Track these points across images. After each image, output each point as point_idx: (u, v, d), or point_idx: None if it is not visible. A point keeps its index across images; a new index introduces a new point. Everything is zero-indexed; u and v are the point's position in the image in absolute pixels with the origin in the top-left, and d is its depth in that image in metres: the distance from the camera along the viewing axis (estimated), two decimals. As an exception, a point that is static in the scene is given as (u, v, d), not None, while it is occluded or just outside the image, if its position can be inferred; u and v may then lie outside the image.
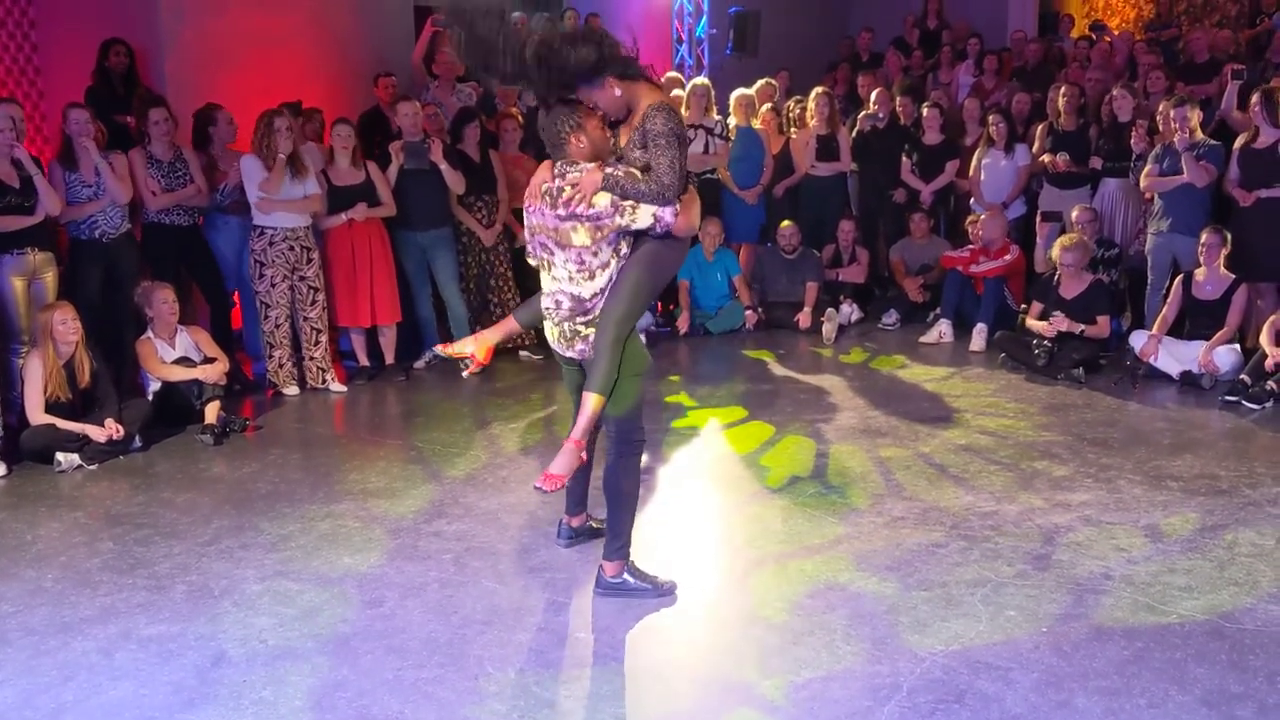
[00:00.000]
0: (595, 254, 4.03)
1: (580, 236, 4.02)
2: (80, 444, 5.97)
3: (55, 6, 8.80)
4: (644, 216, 3.98)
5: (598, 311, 4.08)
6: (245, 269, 7.31)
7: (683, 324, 8.85)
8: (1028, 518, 5.02)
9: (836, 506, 5.22)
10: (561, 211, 4.03)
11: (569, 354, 4.24)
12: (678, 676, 3.76)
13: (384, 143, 7.98)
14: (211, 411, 6.43)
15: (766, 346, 8.53)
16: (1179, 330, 7.47)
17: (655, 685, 3.71)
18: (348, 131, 7.45)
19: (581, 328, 4.13)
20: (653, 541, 4.91)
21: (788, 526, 5.01)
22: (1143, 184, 8.03)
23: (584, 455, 4.17)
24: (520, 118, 8.64)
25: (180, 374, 6.51)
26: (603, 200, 3.97)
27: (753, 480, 5.67)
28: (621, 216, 3.98)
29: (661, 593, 4.30)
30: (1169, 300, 7.48)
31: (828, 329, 8.62)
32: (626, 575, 4.30)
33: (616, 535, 4.29)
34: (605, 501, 4.32)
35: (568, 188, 4.02)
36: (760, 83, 9.88)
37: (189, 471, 5.90)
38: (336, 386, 7.37)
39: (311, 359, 7.37)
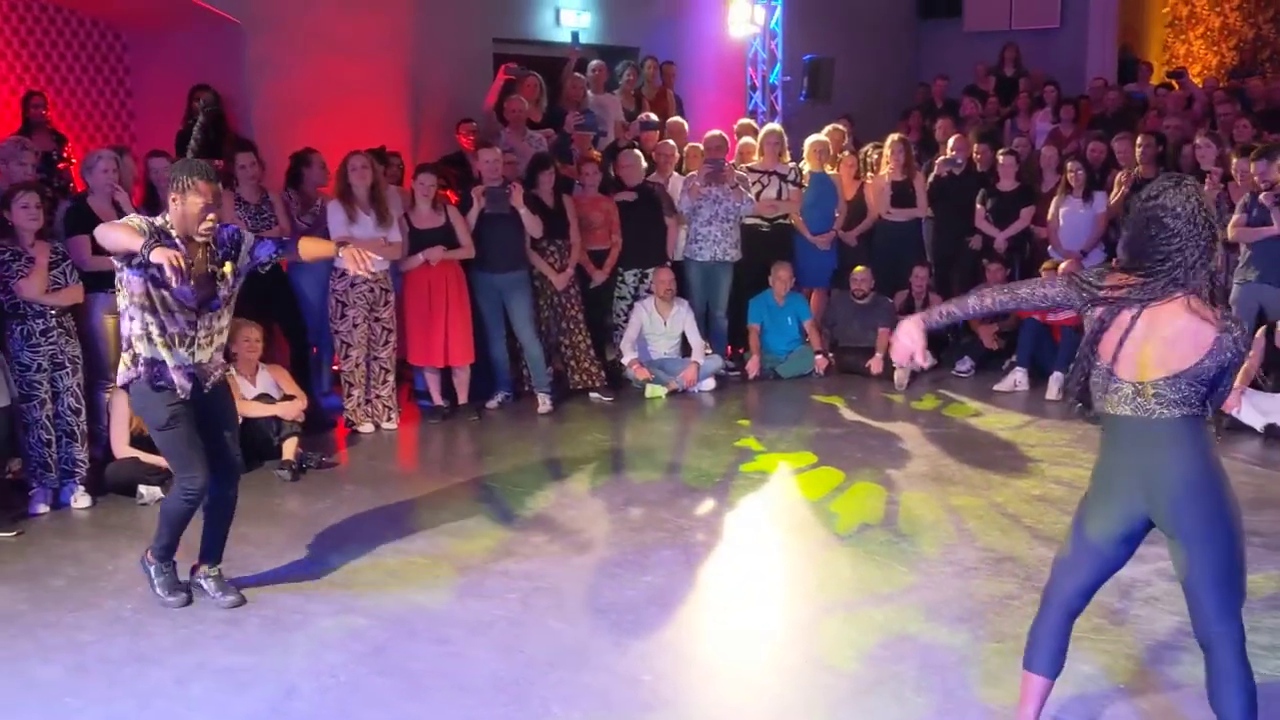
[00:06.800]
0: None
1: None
2: (163, 478, 6.08)
3: (147, 54, 9.14)
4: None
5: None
6: (327, 309, 7.47)
7: (753, 368, 8.83)
8: (1104, 571, 4.91)
9: (907, 555, 5.16)
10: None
11: None
12: (743, 723, 3.73)
13: (466, 185, 8.12)
14: (289, 448, 6.55)
15: (837, 392, 8.48)
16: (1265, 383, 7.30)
17: (720, 731, 3.69)
18: (431, 180, 7.61)
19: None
20: (720, 586, 4.90)
21: (857, 574, 4.96)
22: (1230, 234, 7.86)
23: None
24: (599, 160, 8.75)
25: (260, 410, 6.65)
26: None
27: (821, 526, 5.63)
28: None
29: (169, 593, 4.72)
30: (1253, 351, 7.30)
31: (900, 375, 8.55)
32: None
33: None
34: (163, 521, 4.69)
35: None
36: (829, 128, 9.89)
37: (265, 506, 6.01)
38: (388, 426, 7.48)
39: (378, 397, 7.50)
